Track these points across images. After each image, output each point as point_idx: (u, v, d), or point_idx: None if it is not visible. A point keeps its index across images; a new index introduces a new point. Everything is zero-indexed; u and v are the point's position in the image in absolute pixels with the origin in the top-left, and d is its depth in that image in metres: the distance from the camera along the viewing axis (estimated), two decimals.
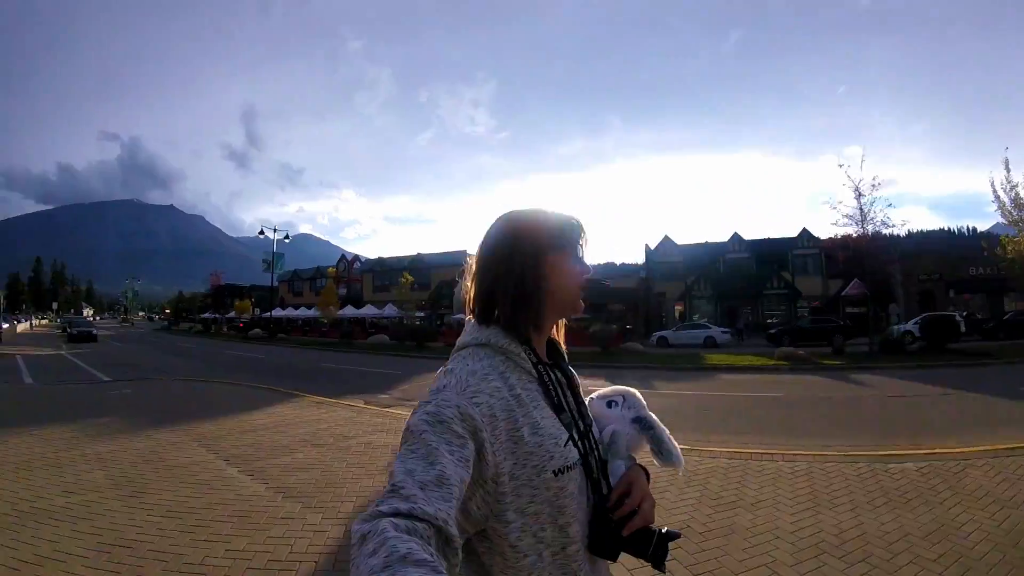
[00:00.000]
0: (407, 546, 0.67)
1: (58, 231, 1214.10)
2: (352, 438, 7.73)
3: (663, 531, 1.09)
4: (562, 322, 1.29)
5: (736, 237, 49.63)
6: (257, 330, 53.07)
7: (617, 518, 1.08)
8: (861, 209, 22.77)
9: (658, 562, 1.09)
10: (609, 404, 1.30)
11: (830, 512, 4.64)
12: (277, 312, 56.75)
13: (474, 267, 1.19)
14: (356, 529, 0.71)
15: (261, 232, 47.56)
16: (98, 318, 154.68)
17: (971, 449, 6.62)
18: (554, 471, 1.01)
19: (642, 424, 1.25)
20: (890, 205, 22.72)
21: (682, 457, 1.24)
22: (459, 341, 1.15)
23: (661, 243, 51.70)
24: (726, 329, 33.66)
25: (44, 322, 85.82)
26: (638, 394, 1.33)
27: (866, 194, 22.80)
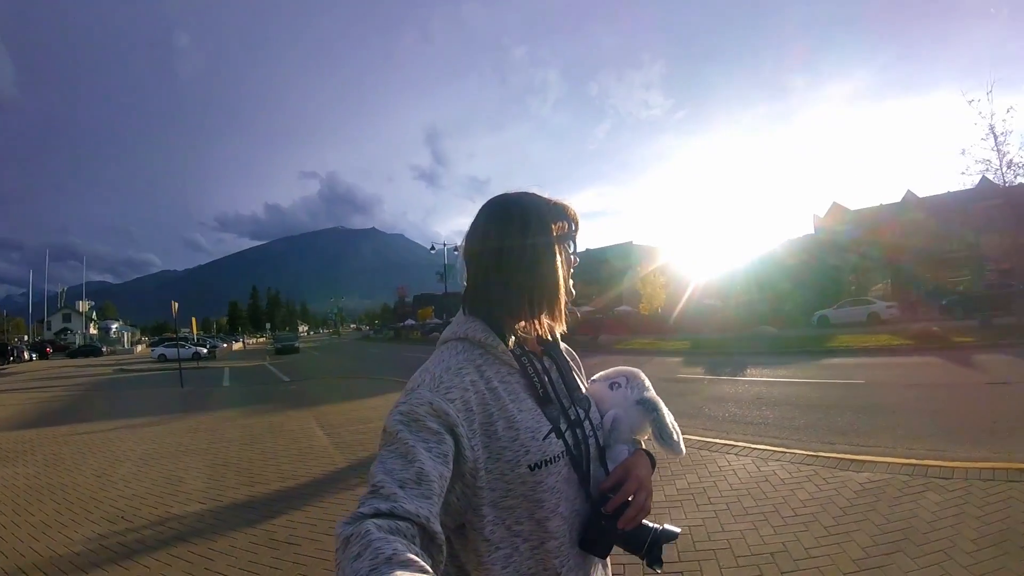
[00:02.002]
0: (392, 547, 0.65)
1: (272, 262, 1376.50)
2: None
3: (660, 528, 1.05)
4: (562, 306, 1.18)
5: (910, 196, 41.85)
6: (435, 333, 58.80)
7: (607, 512, 1.04)
8: (998, 150, 19.45)
9: (653, 560, 1.04)
10: (612, 386, 1.27)
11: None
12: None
13: (463, 258, 1.16)
14: (339, 532, 0.71)
15: (432, 247, 53.93)
16: (311, 332, 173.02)
17: (935, 462, 5.15)
18: (529, 466, 0.99)
19: (646, 406, 1.21)
20: None
21: (683, 443, 1.21)
22: (442, 336, 1.14)
23: (830, 210, 46.06)
24: (891, 304, 30.14)
25: (262, 339, 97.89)
26: (642, 374, 1.30)
27: (1001, 131, 19.34)
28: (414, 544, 0.71)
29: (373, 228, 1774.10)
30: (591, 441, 1.11)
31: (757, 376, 12.84)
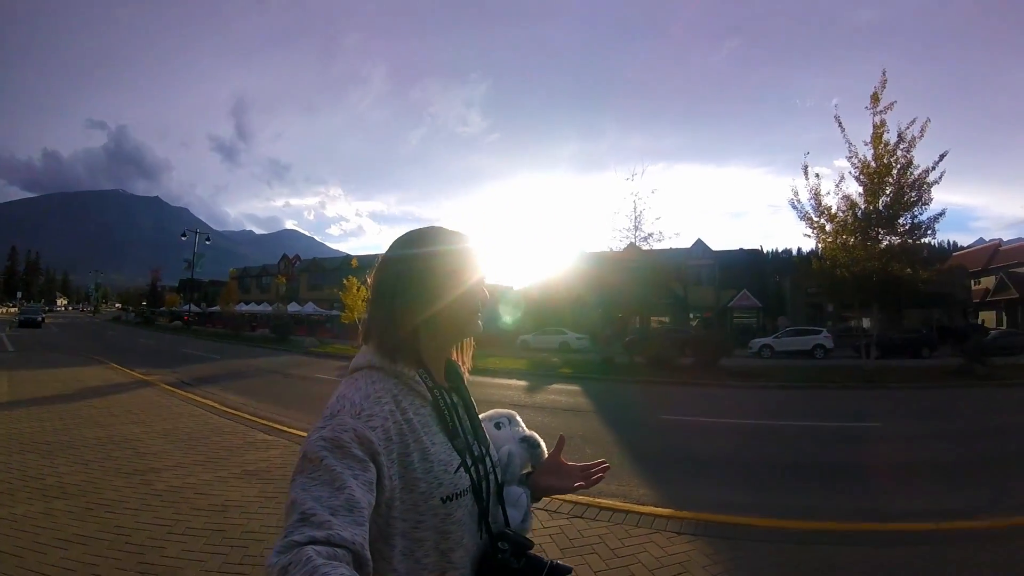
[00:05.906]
0: (339, 572, 0.65)
1: (42, 220, 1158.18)
2: (84, 383, 13.24)
3: (554, 562, 1.07)
4: (469, 343, 1.26)
5: (631, 248, 42.10)
6: (177, 322, 59.39)
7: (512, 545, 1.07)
8: (636, 220, 22.57)
9: None
10: (497, 426, 1.32)
11: None
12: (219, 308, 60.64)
13: (371, 291, 1.15)
14: (274, 562, 0.68)
15: (183, 234, 53.57)
16: (69, 308, 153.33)
17: None
18: (442, 498, 0.99)
19: (529, 443, 1.29)
20: (658, 218, 22.96)
21: None
22: (352, 363, 1.10)
23: (570, 252, 47.53)
24: (581, 335, 33.43)
25: (14, 309, 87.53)
26: (517, 415, 1.37)
27: (642, 207, 22.13)
28: (352, 570, 0.71)
29: (157, 197, 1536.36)
30: (491, 477, 1.14)
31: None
